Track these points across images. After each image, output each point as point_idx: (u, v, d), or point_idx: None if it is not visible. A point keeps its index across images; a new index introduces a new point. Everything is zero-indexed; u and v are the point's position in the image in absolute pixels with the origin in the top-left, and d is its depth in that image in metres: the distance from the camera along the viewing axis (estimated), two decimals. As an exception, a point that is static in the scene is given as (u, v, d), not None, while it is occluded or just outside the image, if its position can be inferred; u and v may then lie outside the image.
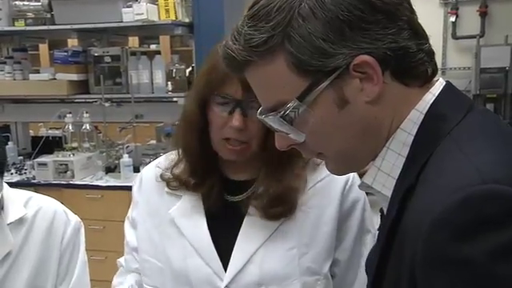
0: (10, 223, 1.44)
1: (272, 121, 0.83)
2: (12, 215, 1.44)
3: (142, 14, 3.43)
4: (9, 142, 3.87)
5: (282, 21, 0.77)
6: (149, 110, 3.87)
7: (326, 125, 0.81)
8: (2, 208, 1.44)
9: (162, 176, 1.33)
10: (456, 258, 0.66)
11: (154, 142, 4.10)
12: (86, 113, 3.74)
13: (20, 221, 1.46)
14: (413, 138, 0.81)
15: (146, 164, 1.47)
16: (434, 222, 0.67)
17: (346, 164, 0.89)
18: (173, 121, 3.47)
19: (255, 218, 1.26)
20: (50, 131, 4.25)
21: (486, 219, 0.65)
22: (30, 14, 3.73)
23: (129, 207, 1.43)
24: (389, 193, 0.83)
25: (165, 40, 6.20)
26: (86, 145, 3.73)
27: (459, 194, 0.67)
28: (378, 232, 0.93)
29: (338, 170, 0.91)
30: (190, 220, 1.29)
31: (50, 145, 3.86)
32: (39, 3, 3.68)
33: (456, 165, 0.72)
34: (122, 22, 3.52)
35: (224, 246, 1.26)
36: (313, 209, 1.27)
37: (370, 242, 1.32)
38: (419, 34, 0.81)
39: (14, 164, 3.83)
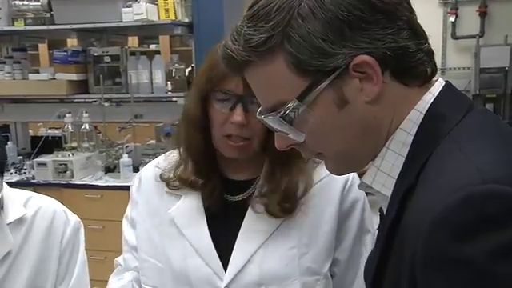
0: (10, 223, 1.44)
1: (272, 121, 0.83)
2: (12, 215, 1.45)
3: (142, 13, 3.43)
4: (8, 142, 3.87)
5: (282, 21, 0.77)
6: (148, 110, 3.87)
7: (325, 125, 0.81)
8: (2, 208, 1.44)
9: (161, 176, 1.33)
10: (456, 257, 0.66)
11: (153, 141, 4.10)
12: (86, 113, 3.74)
13: (20, 220, 1.46)
14: (412, 137, 0.81)
15: (146, 164, 1.47)
16: (434, 221, 0.67)
17: (346, 164, 0.89)
18: (172, 121, 3.48)
19: (255, 217, 1.26)
20: (49, 131, 4.26)
21: (486, 219, 0.65)
22: (29, 14, 3.72)
23: (129, 207, 1.42)
24: (388, 193, 0.83)
25: (164, 40, 6.20)
26: (86, 145, 3.72)
27: (460, 194, 0.67)
28: (377, 232, 0.93)
29: (338, 170, 0.91)
30: (189, 220, 1.29)
31: (50, 145, 3.86)
32: (39, 3, 3.68)
33: (456, 165, 0.72)
34: (121, 21, 3.51)
35: (224, 245, 1.26)
36: (313, 209, 1.27)
37: (369, 241, 1.32)
38: (419, 34, 0.81)
39: (13, 164, 3.83)
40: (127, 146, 3.79)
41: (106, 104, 3.67)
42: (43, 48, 6.03)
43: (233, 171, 1.31)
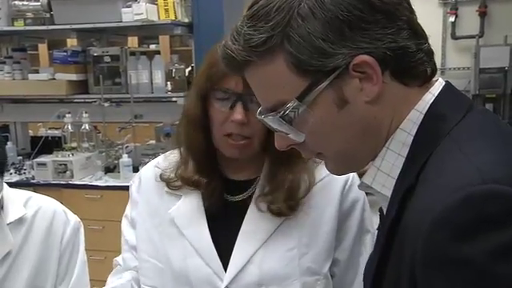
0: (10, 223, 1.44)
1: (271, 121, 0.83)
2: (12, 215, 1.45)
3: (142, 13, 3.43)
4: (8, 142, 3.86)
5: (282, 21, 0.77)
6: (148, 110, 3.87)
7: (325, 125, 0.81)
8: (2, 208, 1.44)
9: (161, 176, 1.33)
10: (456, 257, 0.66)
11: (153, 142, 4.10)
12: (86, 113, 3.74)
13: (20, 220, 1.46)
14: (412, 138, 0.81)
15: (146, 164, 1.47)
16: (434, 221, 0.67)
17: (346, 164, 0.89)
18: (172, 121, 3.48)
19: (255, 217, 1.26)
20: (49, 131, 4.26)
21: (486, 219, 0.65)
22: (29, 14, 3.72)
23: (129, 207, 1.42)
24: (388, 193, 0.83)
25: (164, 40, 6.20)
26: (86, 145, 3.72)
27: (460, 194, 0.67)
28: (377, 232, 0.93)
29: (338, 170, 0.91)
30: (190, 220, 1.29)
31: (50, 145, 3.86)
32: (38, 3, 3.67)
33: (456, 165, 0.72)
34: (121, 21, 3.51)
35: (224, 246, 1.26)
36: (313, 209, 1.27)
37: (369, 241, 1.32)
38: (418, 34, 0.81)
39: (13, 164, 3.83)
40: (127, 146, 3.79)
41: (106, 104, 3.67)
42: (43, 48, 6.03)
43: (233, 171, 1.31)
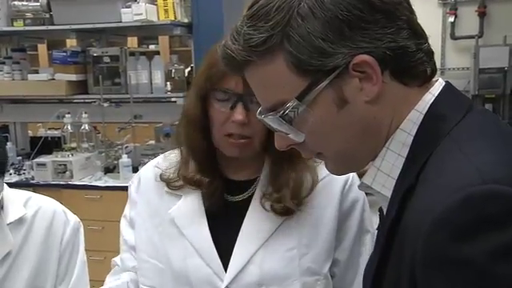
0: (10, 223, 1.44)
1: (271, 121, 0.83)
2: (12, 215, 1.45)
3: (141, 14, 3.43)
4: (7, 143, 3.86)
5: (281, 20, 0.77)
6: (148, 111, 3.86)
7: (325, 124, 0.81)
8: (2, 208, 1.44)
9: (161, 176, 1.33)
10: (456, 258, 0.66)
11: (152, 142, 4.09)
12: (85, 113, 3.74)
13: (20, 221, 1.46)
14: (412, 138, 0.81)
15: (145, 164, 1.47)
16: (434, 221, 0.67)
17: (346, 164, 0.88)
18: (172, 121, 3.48)
19: (256, 218, 1.26)
20: (48, 131, 4.25)
21: (486, 219, 0.65)
22: (28, 15, 3.72)
23: (128, 207, 1.42)
24: (388, 193, 0.83)
25: (164, 40, 6.20)
26: (85, 145, 3.72)
27: (460, 194, 0.67)
28: (377, 232, 0.93)
29: (338, 170, 0.91)
30: (190, 220, 1.29)
31: (49, 145, 3.85)
32: (38, 3, 3.67)
33: (456, 165, 0.72)
34: (120, 22, 3.51)
35: (224, 246, 1.25)
36: (313, 209, 1.26)
37: (369, 241, 1.32)
38: (418, 34, 0.81)
39: (12, 164, 3.83)
40: (126, 147, 3.78)
41: (106, 104, 3.67)
42: (42, 48, 6.03)
43: (233, 171, 1.31)
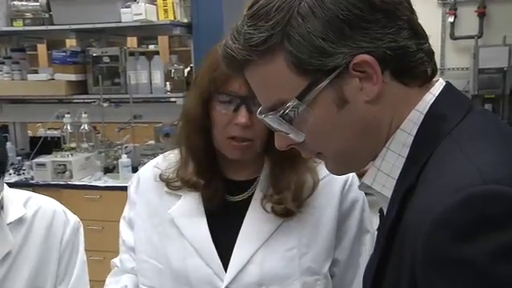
0: (10, 223, 1.44)
1: (271, 120, 0.83)
2: (12, 215, 1.44)
3: (141, 14, 3.43)
4: (7, 143, 3.86)
5: (282, 20, 0.77)
6: (147, 111, 3.86)
7: (325, 124, 0.81)
8: (2, 208, 1.44)
9: (161, 176, 1.33)
10: (456, 258, 0.65)
11: (152, 142, 4.09)
12: (85, 113, 3.73)
13: (20, 220, 1.46)
14: (413, 138, 0.80)
15: (145, 164, 1.47)
16: (434, 221, 0.67)
17: (346, 164, 0.88)
18: (171, 121, 3.47)
19: (256, 218, 1.26)
20: (48, 131, 4.25)
21: (487, 219, 0.65)
22: (28, 14, 3.72)
23: (127, 207, 1.42)
24: (389, 193, 0.83)
25: (163, 40, 6.20)
26: (85, 145, 3.72)
27: (460, 194, 0.67)
28: (377, 232, 0.93)
29: (338, 170, 0.91)
30: (189, 220, 1.29)
31: (49, 145, 3.85)
32: (37, 3, 3.67)
33: (456, 165, 0.72)
34: (120, 22, 3.51)
35: (224, 246, 1.25)
36: (313, 209, 1.27)
37: (368, 241, 1.32)
38: (419, 34, 0.81)
39: (12, 164, 3.82)
40: (126, 147, 3.78)
41: (105, 104, 3.67)
42: (42, 48, 6.03)
43: (233, 171, 1.31)
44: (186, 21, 3.57)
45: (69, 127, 3.77)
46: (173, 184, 1.31)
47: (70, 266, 1.52)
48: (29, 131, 4.53)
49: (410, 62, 0.80)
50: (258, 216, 1.26)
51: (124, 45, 4.45)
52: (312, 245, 1.26)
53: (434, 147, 0.77)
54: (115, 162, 3.64)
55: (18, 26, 3.74)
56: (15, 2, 3.73)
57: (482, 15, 5.20)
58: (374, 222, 1.27)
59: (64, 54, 3.81)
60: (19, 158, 3.99)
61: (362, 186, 0.88)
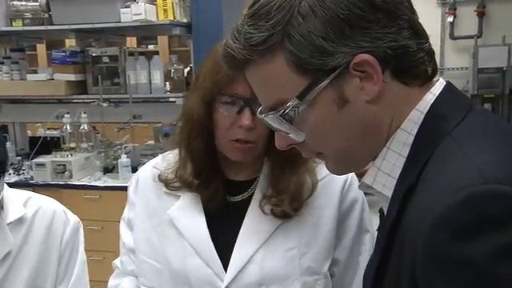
0: (10, 223, 1.44)
1: (272, 120, 0.83)
2: (12, 215, 1.44)
3: (140, 14, 3.42)
4: (6, 143, 3.85)
5: (282, 19, 0.77)
6: (147, 111, 3.86)
7: (325, 124, 0.81)
8: (2, 208, 1.44)
9: (160, 176, 1.32)
10: (457, 258, 0.65)
11: (152, 142, 4.09)
12: (84, 113, 3.73)
13: (20, 220, 1.46)
14: (413, 137, 0.80)
15: (144, 164, 1.46)
16: (434, 221, 0.67)
17: (346, 164, 0.88)
18: (171, 121, 3.46)
19: (256, 217, 1.26)
20: (47, 131, 4.25)
21: (487, 219, 0.65)
22: (27, 14, 3.72)
23: (127, 208, 1.42)
24: (389, 193, 0.83)
25: (163, 40, 6.20)
26: (84, 145, 3.72)
27: (460, 194, 0.67)
28: (377, 232, 0.93)
29: (338, 170, 0.91)
30: (189, 220, 1.29)
31: (48, 145, 3.85)
32: (37, 3, 3.67)
33: (457, 165, 0.72)
34: (120, 22, 3.51)
35: (224, 246, 1.25)
36: (312, 209, 1.26)
37: (368, 241, 1.32)
38: (419, 34, 0.81)
39: (11, 164, 3.82)
40: (126, 147, 3.78)
41: (105, 104, 3.66)
42: (41, 48, 6.02)
43: (234, 172, 1.31)
44: (185, 21, 3.57)
45: (68, 127, 3.77)
46: (172, 184, 1.31)
47: (69, 265, 1.52)
48: (28, 131, 4.53)
49: (411, 62, 0.80)
50: (258, 216, 1.25)
51: (123, 45, 4.45)
52: (312, 244, 1.26)
53: (435, 147, 0.77)
54: (115, 162, 3.64)
55: (18, 25, 3.73)
56: (14, 2, 3.73)
57: (481, 15, 5.21)
58: (373, 222, 1.27)
59: (63, 54, 3.81)
60: (19, 158, 3.99)
61: (362, 186, 0.88)
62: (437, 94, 0.82)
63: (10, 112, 4.26)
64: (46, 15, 3.67)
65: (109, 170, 3.66)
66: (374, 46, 0.77)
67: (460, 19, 5.30)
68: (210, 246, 1.26)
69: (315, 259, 1.26)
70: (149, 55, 3.95)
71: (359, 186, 0.90)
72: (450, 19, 5.29)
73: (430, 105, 0.81)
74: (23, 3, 3.72)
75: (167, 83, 3.71)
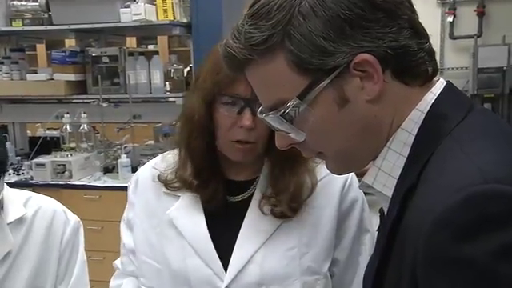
0: (10, 223, 1.44)
1: (272, 120, 0.83)
2: (12, 215, 1.44)
3: (140, 14, 3.42)
4: (6, 143, 3.85)
5: (283, 19, 0.77)
6: (147, 111, 3.86)
7: (326, 123, 0.81)
8: (2, 208, 1.44)
9: (159, 177, 1.32)
10: (458, 258, 0.65)
11: (151, 142, 4.09)
12: (84, 113, 3.73)
13: (20, 220, 1.46)
14: (414, 137, 0.80)
15: (144, 164, 1.46)
16: (435, 221, 0.67)
17: (346, 163, 0.88)
18: (171, 121, 3.47)
19: (256, 217, 1.26)
20: (47, 131, 4.25)
21: (488, 219, 0.65)
22: (27, 14, 3.72)
23: (127, 208, 1.42)
24: (389, 193, 0.83)
25: (163, 40, 6.20)
26: (84, 145, 3.72)
27: (461, 194, 0.67)
28: (377, 233, 0.93)
29: (338, 170, 0.91)
30: (188, 220, 1.29)
31: (48, 145, 3.85)
32: (37, 3, 3.67)
33: (457, 164, 0.72)
34: (119, 22, 3.51)
35: (224, 246, 1.25)
36: (312, 209, 1.26)
37: (368, 241, 1.32)
38: (420, 33, 0.81)
39: (11, 164, 3.81)
40: (125, 147, 3.78)
41: (105, 104, 3.66)
42: (41, 48, 6.02)
43: (234, 172, 1.31)
44: (185, 21, 3.57)
45: (68, 127, 3.77)
46: (171, 185, 1.31)
47: (70, 265, 1.52)
48: (28, 131, 4.53)
49: (411, 62, 0.80)
50: (258, 216, 1.25)
51: (123, 45, 4.45)
52: (312, 244, 1.26)
53: (435, 146, 0.77)
54: (114, 162, 3.64)
55: (17, 26, 3.73)
56: (14, 2, 3.73)
57: (481, 15, 5.20)
58: (374, 222, 1.27)
59: (63, 54, 3.81)
60: (18, 158, 3.98)
61: (362, 186, 0.88)
62: (437, 94, 0.82)
63: (9, 112, 4.25)
64: (46, 15, 3.67)
65: (109, 170, 3.66)
66: (375, 45, 0.77)
67: (460, 19, 5.30)
68: (209, 246, 1.25)
69: (315, 259, 1.26)
70: (149, 55, 3.95)
71: (359, 186, 0.90)
72: (450, 19, 5.29)
73: (430, 104, 0.81)
74: (23, 3, 3.72)
75: (167, 83, 3.71)
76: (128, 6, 3.48)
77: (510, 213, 0.65)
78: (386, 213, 0.85)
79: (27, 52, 4.47)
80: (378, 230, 0.92)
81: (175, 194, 1.31)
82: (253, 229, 1.25)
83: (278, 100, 0.81)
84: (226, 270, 1.24)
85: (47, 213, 1.51)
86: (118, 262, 1.42)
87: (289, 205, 1.24)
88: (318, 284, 1.26)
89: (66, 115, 3.76)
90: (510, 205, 0.65)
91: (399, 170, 0.81)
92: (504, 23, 5.06)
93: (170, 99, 3.74)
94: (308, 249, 1.25)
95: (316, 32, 0.76)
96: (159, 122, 3.97)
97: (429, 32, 0.83)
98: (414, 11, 0.81)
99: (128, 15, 3.46)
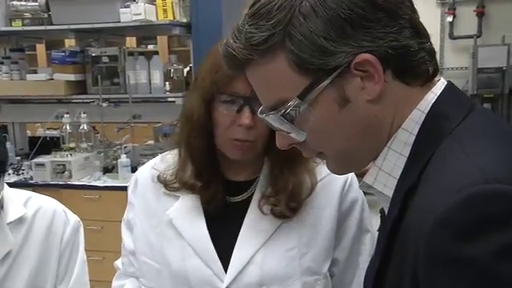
0: (10, 223, 1.44)
1: (273, 119, 0.83)
2: (12, 215, 1.44)
3: (140, 14, 3.42)
4: (6, 143, 3.84)
5: (283, 19, 0.77)
6: (146, 111, 3.86)
7: (326, 123, 0.81)
8: (2, 207, 1.44)
9: (159, 177, 1.32)
10: (458, 257, 0.65)
11: (151, 142, 4.09)
12: (84, 113, 3.72)
13: (20, 220, 1.46)
14: (414, 137, 0.80)
15: (144, 164, 1.46)
16: (436, 221, 0.67)
17: (347, 163, 0.88)
18: (171, 121, 3.46)
19: (256, 218, 1.25)
20: (47, 131, 4.25)
21: (488, 219, 0.65)
22: (27, 14, 3.71)
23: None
24: (390, 193, 0.83)
25: (162, 40, 6.20)
26: (84, 145, 3.71)
27: (461, 194, 0.67)
28: (377, 233, 0.93)
29: (339, 170, 0.91)
30: (188, 221, 1.28)
31: (48, 145, 3.85)
32: (36, 3, 3.67)
33: (458, 164, 0.72)
34: (119, 22, 3.51)
35: (224, 246, 1.25)
36: (312, 209, 1.26)
37: (368, 241, 1.32)
38: (420, 33, 0.81)
39: (11, 164, 3.81)
40: (125, 147, 3.78)
41: (104, 104, 3.66)
42: (41, 48, 6.02)
43: (234, 172, 1.31)
44: (185, 21, 3.57)
45: (68, 127, 3.76)
46: (171, 185, 1.31)
47: (70, 265, 1.52)
48: (28, 131, 4.53)
49: (412, 62, 0.79)
50: (258, 216, 1.25)
51: (123, 45, 4.46)
52: (312, 244, 1.26)
53: (436, 146, 0.77)
54: (114, 162, 3.64)
55: (17, 26, 3.73)
56: (14, 2, 3.72)
57: (480, 15, 5.21)
58: (374, 223, 1.26)
59: (63, 53, 3.81)
60: (18, 158, 3.98)
61: (362, 186, 0.88)
62: (438, 94, 0.82)
63: (9, 112, 4.25)
64: (46, 15, 3.67)
65: (108, 169, 3.66)
66: (376, 45, 0.76)
67: (459, 19, 5.31)
68: (209, 247, 1.25)
69: (315, 259, 1.26)
70: (148, 55, 3.95)
71: (360, 186, 0.90)
72: (450, 19, 5.30)
73: (431, 104, 0.81)
74: (23, 3, 3.72)
75: (167, 83, 3.71)
76: (128, 6, 3.47)
77: (510, 213, 0.65)
78: (386, 213, 0.85)
79: (27, 52, 4.47)
80: (379, 230, 0.92)
81: (175, 194, 1.31)
82: (253, 229, 1.25)
83: (278, 100, 0.81)
84: (225, 270, 1.24)
85: (47, 212, 1.51)
86: (118, 263, 1.42)
87: (287, 204, 1.23)
88: (318, 284, 1.26)
89: (65, 115, 3.76)
90: (510, 205, 0.65)
91: (400, 169, 0.81)
92: (504, 23, 5.07)
93: (170, 99, 3.74)
94: (308, 249, 1.25)
95: (317, 32, 0.76)
96: (159, 122, 3.97)
97: (428, 32, 0.83)
98: (414, 11, 0.81)
99: (128, 15, 3.45)
